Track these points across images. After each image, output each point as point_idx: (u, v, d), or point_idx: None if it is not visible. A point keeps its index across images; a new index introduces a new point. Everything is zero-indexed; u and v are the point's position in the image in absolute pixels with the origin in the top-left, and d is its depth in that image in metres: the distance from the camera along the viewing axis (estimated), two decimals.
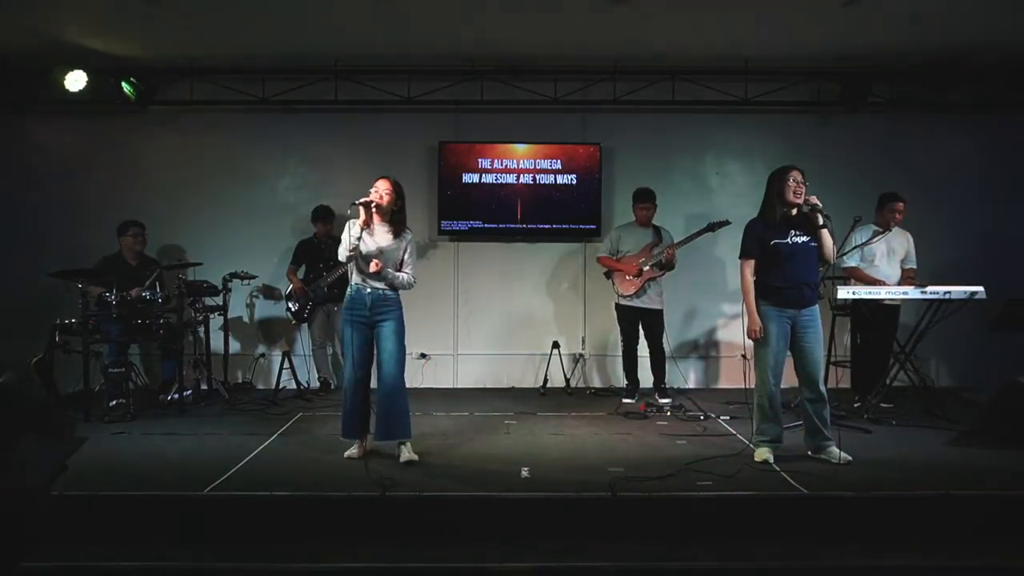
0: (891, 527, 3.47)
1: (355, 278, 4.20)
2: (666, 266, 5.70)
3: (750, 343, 4.23)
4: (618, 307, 5.89)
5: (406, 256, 4.24)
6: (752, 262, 4.15)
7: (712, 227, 5.68)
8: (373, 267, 4.08)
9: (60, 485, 3.55)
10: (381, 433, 4.18)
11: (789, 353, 4.16)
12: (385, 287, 4.17)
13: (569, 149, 6.57)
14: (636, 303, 5.76)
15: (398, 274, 4.20)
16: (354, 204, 4.06)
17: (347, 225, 4.08)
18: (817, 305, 4.14)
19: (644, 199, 5.81)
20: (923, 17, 5.20)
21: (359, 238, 4.04)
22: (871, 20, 5.28)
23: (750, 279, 4.14)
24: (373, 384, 4.25)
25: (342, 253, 4.09)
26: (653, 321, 5.79)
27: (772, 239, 4.07)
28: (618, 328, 5.95)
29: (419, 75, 6.38)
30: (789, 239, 4.05)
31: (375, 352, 4.22)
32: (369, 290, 4.14)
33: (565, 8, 5.18)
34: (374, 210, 4.13)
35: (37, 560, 3.21)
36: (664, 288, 5.85)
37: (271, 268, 6.61)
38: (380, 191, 4.14)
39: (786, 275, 4.04)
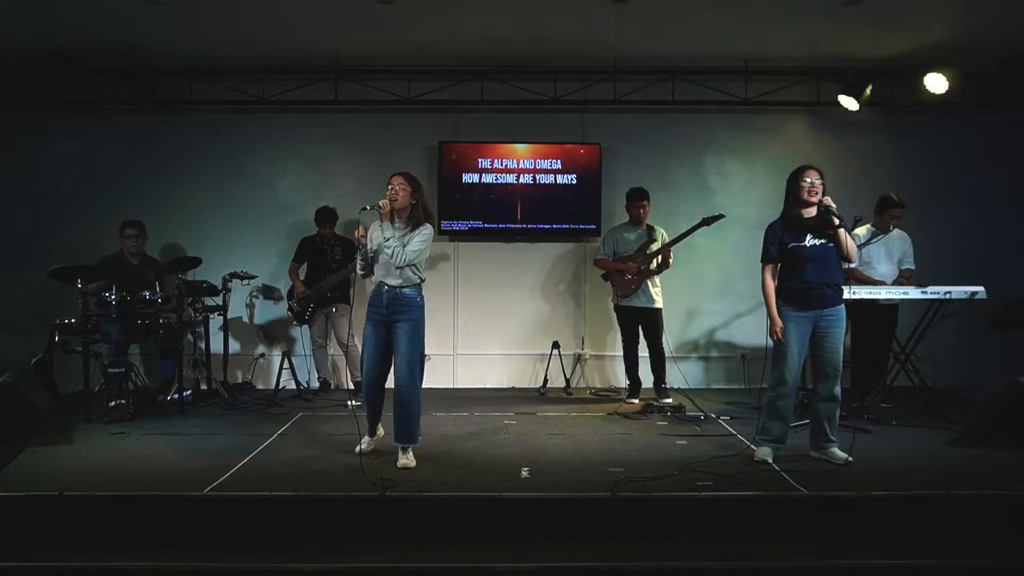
0: (891, 527, 3.47)
1: (376, 276, 4.18)
2: (662, 265, 5.70)
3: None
4: (617, 308, 5.91)
5: (414, 240, 4.07)
6: (771, 266, 4.15)
7: (707, 221, 5.62)
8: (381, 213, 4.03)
9: (60, 485, 3.60)
10: (396, 435, 4.13)
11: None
12: (401, 285, 4.09)
13: (569, 149, 6.57)
14: (634, 303, 5.76)
15: (394, 246, 4.00)
16: (364, 209, 4.00)
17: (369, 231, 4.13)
18: (842, 305, 4.11)
19: (639, 198, 5.80)
20: (922, 16, 5.20)
21: (366, 247, 4.09)
22: (871, 20, 5.28)
23: (770, 282, 4.14)
24: (389, 383, 4.20)
25: (359, 267, 4.15)
26: (652, 320, 5.78)
27: (789, 242, 4.05)
28: (618, 328, 5.97)
29: (419, 75, 6.38)
30: (806, 241, 4.02)
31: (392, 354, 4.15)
32: (386, 288, 4.10)
33: (565, 8, 5.18)
34: (391, 210, 4.07)
35: (37, 560, 3.22)
36: (662, 287, 5.84)
37: (271, 268, 6.61)
38: (395, 188, 4.06)
39: (805, 277, 4.02)
